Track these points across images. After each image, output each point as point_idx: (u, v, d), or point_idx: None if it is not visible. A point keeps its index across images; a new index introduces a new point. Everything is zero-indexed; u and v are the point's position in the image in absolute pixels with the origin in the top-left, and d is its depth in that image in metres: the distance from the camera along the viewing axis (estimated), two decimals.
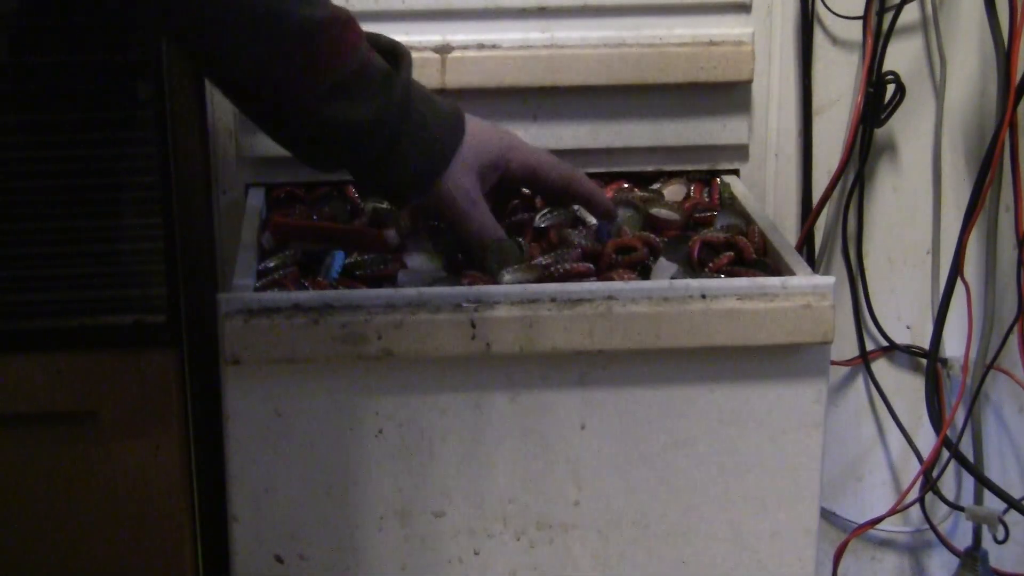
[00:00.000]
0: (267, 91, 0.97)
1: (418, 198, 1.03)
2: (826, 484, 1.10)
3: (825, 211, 1.37)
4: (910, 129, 1.36)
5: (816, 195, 1.36)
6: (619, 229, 1.10)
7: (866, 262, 1.39)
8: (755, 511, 1.01)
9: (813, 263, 1.37)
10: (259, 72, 0.96)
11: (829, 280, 0.98)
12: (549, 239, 1.10)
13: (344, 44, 0.97)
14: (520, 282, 1.01)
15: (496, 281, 1.02)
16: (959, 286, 1.33)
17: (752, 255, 1.08)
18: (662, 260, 1.05)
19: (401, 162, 1.00)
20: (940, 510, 1.44)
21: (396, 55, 1.01)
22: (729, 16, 1.22)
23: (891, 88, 1.30)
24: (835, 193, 1.36)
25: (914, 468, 1.42)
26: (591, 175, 1.23)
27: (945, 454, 1.38)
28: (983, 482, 1.38)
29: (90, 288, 1.18)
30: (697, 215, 1.15)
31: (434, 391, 0.97)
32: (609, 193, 1.21)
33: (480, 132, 1.06)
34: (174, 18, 0.95)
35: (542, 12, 1.20)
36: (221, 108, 1.19)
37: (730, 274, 1.04)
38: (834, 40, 1.33)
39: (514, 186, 1.11)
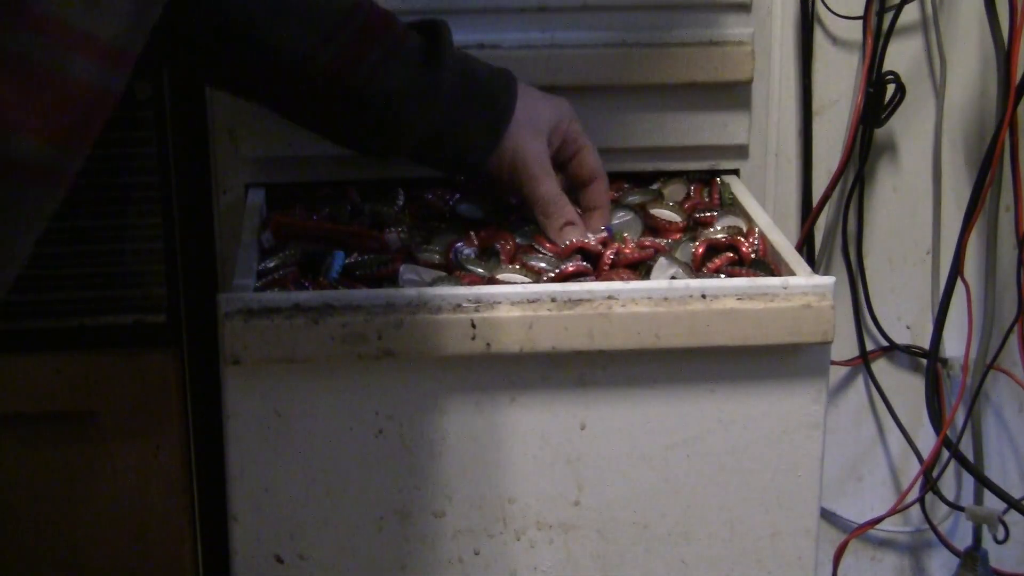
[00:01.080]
0: (319, 79, 0.99)
1: (484, 159, 1.05)
2: (826, 484, 1.10)
3: (825, 211, 1.37)
4: (910, 129, 1.36)
5: (816, 195, 1.36)
6: (621, 237, 1.10)
7: (866, 262, 1.39)
8: (755, 511, 1.01)
9: (813, 263, 1.37)
10: (310, 60, 0.98)
11: (829, 280, 0.98)
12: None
13: (379, 18, 1.01)
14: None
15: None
16: (959, 286, 1.33)
17: (752, 255, 1.08)
18: (662, 260, 1.05)
19: (463, 123, 1.02)
20: (940, 510, 1.44)
21: (434, 27, 1.04)
22: (729, 16, 1.22)
23: (891, 88, 1.30)
24: (835, 193, 1.36)
25: (914, 468, 1.42)
26: None
27: (945, 454, 1.38)
28: (983, 482, 1.38)
29: (90, 288, 1.18)
30: (697, 215, 1.15)
31: (434, 391, 0.97)
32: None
33: (536, 94, 1.08)
34: (224, 17, 0.96)
35: (542, 12, 1.19)
36: (221, 108, 1.19)
37: (730, 274, 1.04)
38: (834, 40, 1.33)
39: (556, 158, 1.11)
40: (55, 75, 0.59)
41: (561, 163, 1.12)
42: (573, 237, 1.07)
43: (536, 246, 1.08)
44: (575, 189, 1.12)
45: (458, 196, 1.16)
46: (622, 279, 1.02)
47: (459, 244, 1.08)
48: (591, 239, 1.07)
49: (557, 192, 1.08)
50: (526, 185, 1.07)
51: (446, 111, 1.03)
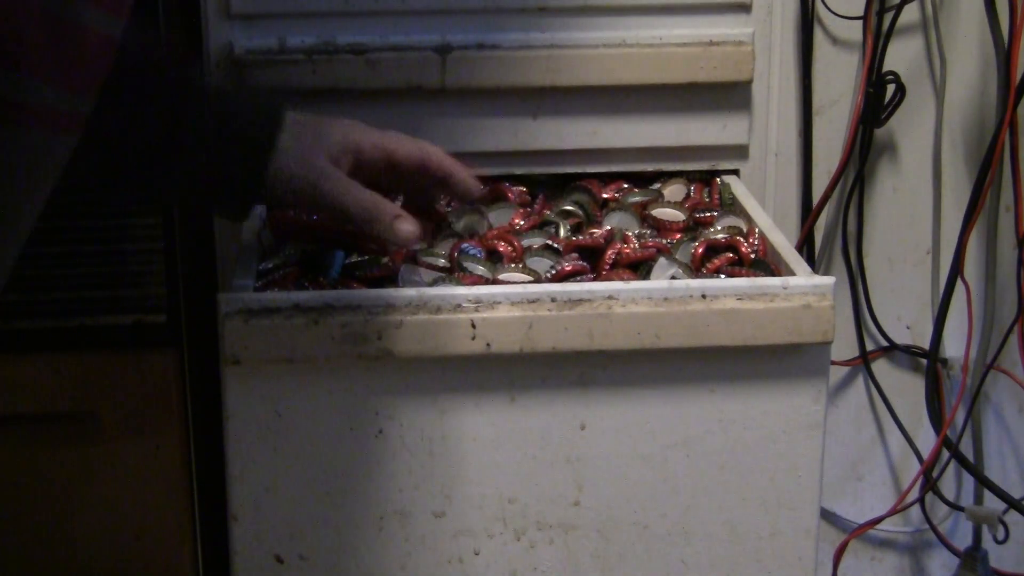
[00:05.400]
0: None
1: (253, 196, 0.98)
2: (826, 484, 1.10)
3: (825, 211, 1.37)
4: (910, 129, 1.36)
5: (816, 195, 1.36)
6: (623, 235, 1.10)
7: (866, 262, 1.39)
8: (755, 511, 1.01)
9: (813, 263, 1.37)
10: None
11: (829, 280, 0.98)
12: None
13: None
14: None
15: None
16: (959, 286, 1.33)
17: (752, 255, 1.08)
18: (662, 260, 1.05)
19: (221, 162, 0.96)
20: (940, 510, 1.44)
21: (186, 62, 0.99)
22: (729, 16, 1.22)
23: (891, 88, 1.30)
24: (835, 193, 1.36)
25: (914, 468, 1.42)
26: (591, 175, 1.23)
27: (945, 454, 1.38)
28: (983, 482, 1.38)
29: (90, 288, 1.18)
30: (697, 215, 1.15)
31: (434, 391, 0.97)
32: (609, 193, 1.21)
33: (312, 119, 1.00)
34: None
35: (542, 12, 1.19)
36: None
37: (730, 274, 1.04)
38: (834, 40, 1.33)
39: (372, 174, 1.01)
40: (73, 25, 0.62)
41: (386, 170, 1.02)
42: (407, 227, 0.98)
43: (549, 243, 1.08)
44: (420, 186, 1.04)
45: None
46: (622, 279, 1.02)
47: (464, 244, 1.08)
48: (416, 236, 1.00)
49: (366, 196, 0.98)
50: (326, 206, 0.98)
51: (204, 147, 0.96)
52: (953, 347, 1.40)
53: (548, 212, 1.17)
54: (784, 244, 1.07)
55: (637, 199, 1.19)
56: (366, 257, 1.06)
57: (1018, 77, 1.27)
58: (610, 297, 0.96)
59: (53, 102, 0.63)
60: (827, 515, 1.45)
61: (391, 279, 1.03)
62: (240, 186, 0.97)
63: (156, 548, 1.23)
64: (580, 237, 1.11)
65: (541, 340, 0.96)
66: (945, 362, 1.40)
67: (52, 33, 0.61)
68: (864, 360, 1.42)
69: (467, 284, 1.01)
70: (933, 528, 1.43)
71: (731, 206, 1.18)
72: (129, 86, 0.92)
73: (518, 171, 1.22)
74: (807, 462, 1.01)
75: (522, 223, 1.14)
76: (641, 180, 1.25)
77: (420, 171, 1.02)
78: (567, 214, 1.16)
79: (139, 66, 0.94)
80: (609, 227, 1.12)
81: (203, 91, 0.98)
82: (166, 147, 0.95)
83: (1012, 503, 1.34)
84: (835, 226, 1.38)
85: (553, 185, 1.23)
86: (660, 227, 1.13)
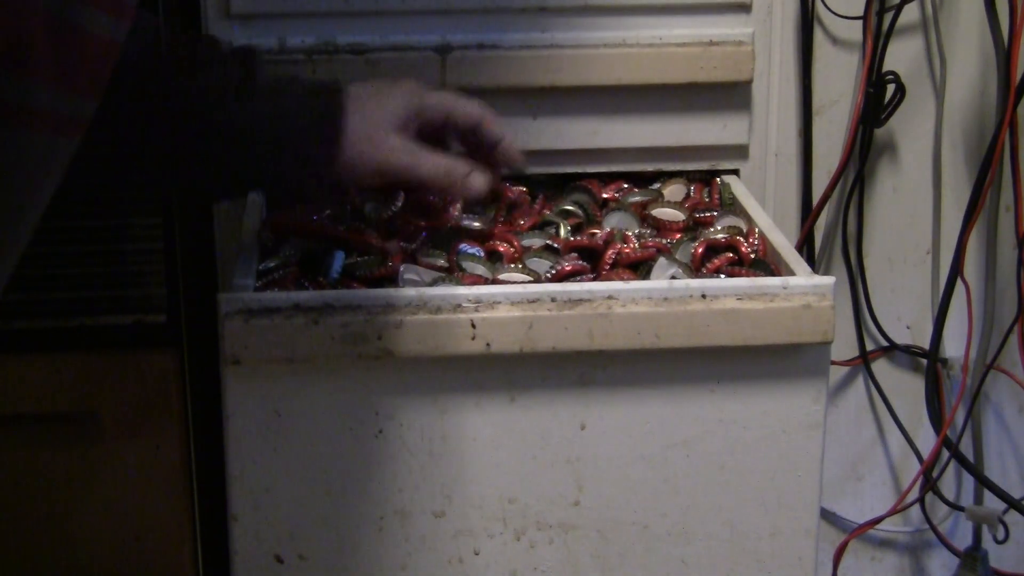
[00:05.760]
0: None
1: (325, 181, 1.00)
2: (826, 484, 1.10)
3: (825, 211, 1.37)
4: (910, 129, 1.36)
5: (816, 195, 1.36)
6: (623, 236, 1.10)
7: (866, 262, 1.39)
8: (755, 511, 1.01)
9: (813, 263, 1.37)
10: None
11: (829, 280, 0.98)
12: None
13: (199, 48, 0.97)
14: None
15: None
16: (959, 286, 1.33)
17: (752, 255, 1.08)
18: (662, 260, 1.05)
19: (289, 150, 0.98)
20: (940, 510, 1.44)
21: (247, 55, 1.00)
22: (729, 16, 1.22)
23: (891, 88, 1.30)
24: (835, 193, 1.36)
25: (914, 468, 1.42)
26: (591, 175, 1.23)
27: (945, 454, 1.38)
28: (983, 482, 1.38)
29: (90, 288, 1.18)
30: (697, 215, 1.15)
31: (434, 391, 0.97)
32: (609, 193, 1.21)
33: (372, 90, 1.03)
34: None
35: (542, 12, 1.19)
36: None
37: (730, 274, 1.04)
38: (834, 40, 1.33)
39: (433, 131, 1.05)
40: (75, 28, 0.62)
41: (441, 130, 1.06)
42: (479, 181, 1.03)
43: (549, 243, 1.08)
44: (471, 139, 1.07)
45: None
46: (622, 279, 1.02)
47: (464, 244, 1.08)
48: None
49: (439, 162, 1.02)
50: (406, 179, 1.02)
51: (268, 136, 0.98)
52: (953, 347, 1.40)
53: (548, 212, 1.17)
54: (784, 244, 1.07)
55: (637, 199, 1.19)
56: (366, 257, 1.06)
57: (1018, 77, 1.27)
58: (610, 297, 0.96)
59: (55, 105, 0.63)
60: (827, 515, 1.45)
61: (391, 279, 1.03)
62: (314, 174, 0.99)
63: (156, 548, 1.23)
64: (580, 237, 1.11)
65: (541, 340, 0.96)
66: (945, 362, 1.40)
67: (55, 36, 0.61)
68: (864, 360, 1.42)
69: (467, 284, 1.01)
70: (933, 528, 1.43)
71: (731, 206, 1.18)
72: (193, 83, 0.95)
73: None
74: (807, 462, 1.01)
75: (523, 222, 1.14)
76: (641, 180, 1.25)
77: (474, 130, 1.05)
78: (567, 214, 1.16)
79: (197, 64, 0.96)
80: (609, 228, 1.12)
81: (259, 81, 0.98)
82: (230, 145, 0.96)
83: (1012, 503, 1.34)
84: (835, 226, 1.38)
85: (553, 185, 1.23)
86: (660, 227, 1.13)
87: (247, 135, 0.97)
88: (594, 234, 1.11)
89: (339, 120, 0.99)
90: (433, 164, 1.02)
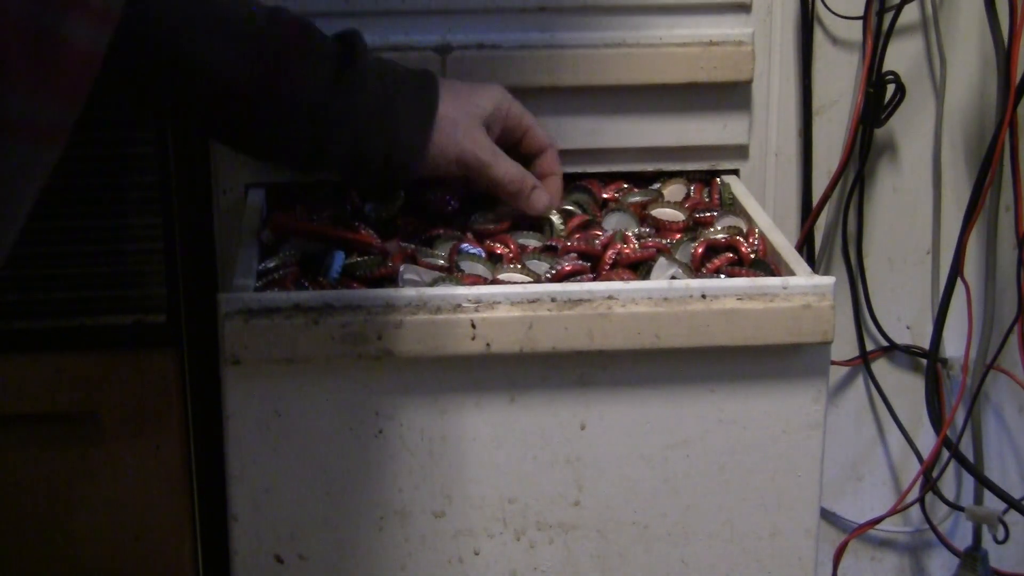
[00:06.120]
0: (244, 91, 1.00)
1: (417, 159, 1.05)
2: (826, 484, 1.10)
3: (825, 211, 1.37)
4: (910, 129, 1.36)
5: (816, 195, 1.36)
6: (623, 236, 1.10)
7: (866, 262, 1.39)
8: (755, 511, 1.01)
9: (813, 263, 1.37)
10: (235, 72, 0.99)
11: (829, 280, 0.98)
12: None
13: (297, 27, 1.03)
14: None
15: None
16: (959, 286, 1.33)
17: (752, 255, 1.08)
18: (662, 260, 1.05)
19: (388, 124, 1.03)
20: (940, 510, 1.44)
21: (350, 36, 1.05)
22: (729, 16, 1.22)
23: (891, 88, 1.30)
24: (835, 193, 1.36)
25: (914, 468, 1.42)
26: (591, 175, 1.23)
27: (945, 454, 1.38)
28: (983, 482, 1.38)
29: (90, 288, 1.18)
30: (697, 215, 1.15)
31: (434, 391, 0.97)
32: (609, 193, 1.21)
33: (465, 87, 1.09)
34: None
35: (542, 12, 1.19)
36: None
37: (730, 274, 1.04)
38: (834, 40, 1.33)
39: (507, 142, 1.13)
40: (55, 36, 0.62)
41: (511, 146, 1.13)
42: (543, 200, 1.11)
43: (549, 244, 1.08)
44: (527, 165, 1.14)
45: (458, 198, 1.16)
46: (622, 279, 1.02)
47: (464, 244, 1.08)
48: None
49: (514, 168, 1.09)
50: (481, 174, 1.08)
51: (368, 115, 1.03)
52: (953, 347, 1.40)
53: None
54: (784, 244, 1.07)
55: (637, 199, 1.19)
56: (366, 257, 1.06)
57: (1018, 77, 1.27)
58: (610, 297, 0.96)
59: (34, 114, 0.63)
60: (827, 515, 1.45)
61: (391, 279, 1.03)
62: (405, 146, 1.04)
63: (156, 548, 1.23)
64: (579, 237, 1.11)
65: (541, 340, 0.96)
66: (945, 362, 1.40)
67: (33, 45, 0.61)
68: (864, 360, 1.42)
69: (467, 284, 1.01)
70: (933, 528, 1.43)
71: (731, 206, 1.18)
72: (300, 49, 1.01)
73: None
74: (807, 462, 1.01)
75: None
76: (641, 180, 1.25)
77: (533, 157, 1.14)
78: (567, 214, 1.16)
79: (305, 33, 1.02)
80: (609, 230, 1.12)
81: (364, 56, 1.04)
82: (334, 106, 1.02)
83: (1012, 503, 1.34)
84: (835, 226, 1.38)
85: None
86: (660, 227, 1.13)
87: (348, 117, 1.02)
88: (597, 236, 1.11)
89: (435, 105, 1.05)
90: (508, 168, 1.09)
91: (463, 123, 1.06)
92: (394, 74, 1.05)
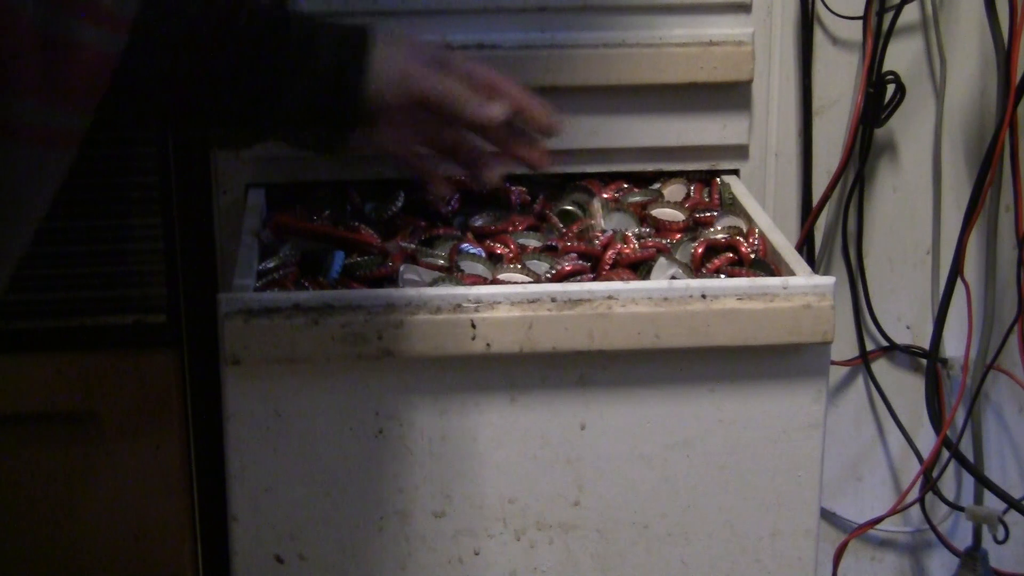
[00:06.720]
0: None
1: (359, 82, 0.99)
2: (826, 484, 1.10)
3: (825, 211, 1.37)
4: (910, 129, 1.36)
5: (816, 195, 1.36)
6: (623, 236, 1.10)
7: (866, 262, 1.39)
8: (755, 511, 1.01)
9: (813, 263, 1.37)
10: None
11: (829, 280, 0.98)
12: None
13: None
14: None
15: None
16: (959, 286, 1.33)
17: (752, 255, 1.08)
18: (662, 260, 1.05)
19: (323, 56, 0.97)
20: (940, 510, 1.44)
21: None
22: (729, 16, 1.22)
23: (891, 88, 1.30)
24: (835, 193, 1.36)
25: (914, 468, 1.42)
26: (591, 175, 1.23)
27: (945, 454, 1.38)
28: (983, 482, 1.38)
29: (90, 288, 1.18)
30: (697, 215, 1.15)
31: (434, 391, 0.97)
32: (609, 193, 1.21)
33: (406, 34, 1.03)
34: None
35: (542, 12, 1.19)
36: None
37: (730, 274, 1.04)
38: (834, 40, 1.33)
39: None
40: (67, 43, 0.62)
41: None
42: (495, 109, 1.02)
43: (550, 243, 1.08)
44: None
45: (458, 197, 1.16)
46: (622, 279, 1.02)
47: (464, 244, 1.08)
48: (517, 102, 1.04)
49: (457, 84, 1.01)
50: (431, 92, 1.00)
51: (307, 38, 0.98)
52: (953, 347, 1.40)
53: (548, 212, 1.17)
54: (784, 244, 1.07)
55: (637, 199, 1.19)
56: (366, 257, 1.06)
57: (1018, 77, 1.28)
58: (610, 297, 0.96)
59: (46, 120, 0.63)
60: (827, 515, 1.45)
61: (391, 279, 1.03)
62: (343, 86, 0.98)
63: (156, 548, 1.23)
64: (578, 237, 1.11)
65: (541, 340, 0.96)
66: (945, 362, 1.40)
67: (45, 52, 0.61)
68: (864, 360, 1.42)
69: (467, 284, 1.01)
70: (933, 528, 1.43)
71: (731, 206, 1.18)
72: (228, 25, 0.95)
73: (518, 171, 1.22)
74: (807, 462, 1.01)
75: (518, 223, 1.14)
76: (641, 180, 1.25)
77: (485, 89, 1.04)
78: (567, 214, 1.16)
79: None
80: (609, 230, 1.12)
81: (289, 19, 0.99)
82: (261, 76, 0.96)
83: (1012, 503, 1.34)
84: (835, 226, 1.38)
85: (553, 185, 1.23)
86: (660, 227, 1.13)
87: (287, 45, 0.97)
88: (597, 237, 1.11)
89: (372, 30, 0.99)
90: (450, 85, 1.00)
91: (401, 48, 1.00)
92: (323, 22, 1.01)
